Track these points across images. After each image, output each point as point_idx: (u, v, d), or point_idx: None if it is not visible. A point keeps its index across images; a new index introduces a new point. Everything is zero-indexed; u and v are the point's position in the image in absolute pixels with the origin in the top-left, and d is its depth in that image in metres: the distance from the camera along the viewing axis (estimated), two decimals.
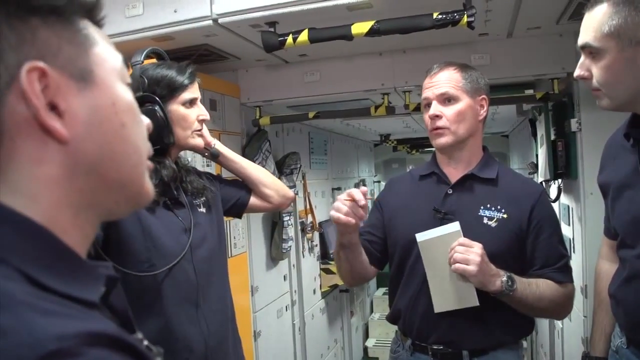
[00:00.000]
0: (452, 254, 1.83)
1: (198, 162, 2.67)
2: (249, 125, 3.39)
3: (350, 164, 6.26)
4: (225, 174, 2.46)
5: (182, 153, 2.03)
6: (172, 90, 1.85)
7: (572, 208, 3.03)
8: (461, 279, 1.86)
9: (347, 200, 1.84)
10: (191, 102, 1.90)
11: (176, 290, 1.81)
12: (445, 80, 1.98)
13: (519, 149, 5.65)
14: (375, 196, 5.05)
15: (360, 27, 2.21)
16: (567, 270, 2.01)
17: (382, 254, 2.18)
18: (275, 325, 3.68)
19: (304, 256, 4.35)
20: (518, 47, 2.79)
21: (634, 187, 1.62)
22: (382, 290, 6.97)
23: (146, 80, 1.81)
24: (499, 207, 1.97)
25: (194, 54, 2.76)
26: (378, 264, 2.21)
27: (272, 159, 3.50)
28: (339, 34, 2.26)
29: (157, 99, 1.79)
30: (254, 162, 2.74)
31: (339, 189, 5.50)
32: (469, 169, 2.04)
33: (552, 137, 3.03)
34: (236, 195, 2.20)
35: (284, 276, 3.95)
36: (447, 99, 1.97)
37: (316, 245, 4.69)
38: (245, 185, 2.23)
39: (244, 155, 2.95)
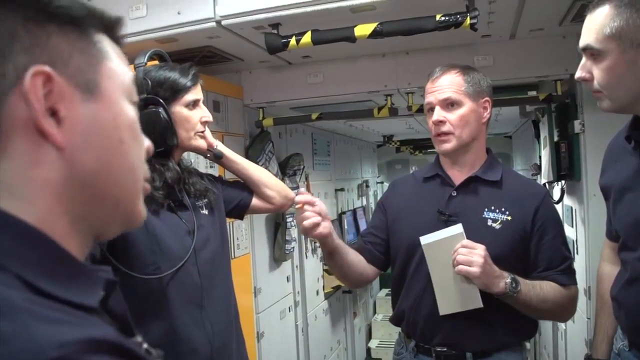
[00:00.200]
0: (455, 256, 1.83)
1: (201, 164, 2.67)
2: (252, 126, 3.40)
3: (354, 165, 6.26)
4: (228, 176, 2.46)
5: (184, 155, 2.02)
6: (175, 92, 1.85)
7: (575, 210, 3.03)
8: (465, 281, 1.86)
9: (305, 210, 1.89)
10: (194, 104, 1.90)
11: (181, 292, 1.81)
12: (447, 84, 1.98)
13: (523, 150, 5.64)
14: (379, 197, 5.04)
15: (363, 29, 2.21)
16: (571, 272, 2.01)
17: (385, 255, 2.19)
18: (278, 326, 3.68)
19: (307, 257, 4.36)
20: (521, 48, 2.79)
21: (636, 190, 1.61)
22: (385, 291, 6.97)
23: (149, 82, 1.81)
24: (503, 209, 1.97)
25: (197, 56, 2.76)
26: (380, 265, 2.21)
27: (275, 160, 3.50)
28: (342, 36, 2.26)
29: (161, 100, 1.79)
30: (257, 163, 2.75)
31: (342, 190, 5.50)
32: (472, 172, 2.04)
33: (555, 139, 3.03)
34: (238, 197, 2.20)
35: (287, 277, 3.95)
36: (450, 104, 1.97)
37: (319, 246, 4.67)
38: (247, 187, 2.23)
39: (247, 156, 2.96)
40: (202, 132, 1.94)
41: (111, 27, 0.75)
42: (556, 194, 3.30)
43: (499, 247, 1.90)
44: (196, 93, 1.91)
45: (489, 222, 1.96)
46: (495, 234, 1.94)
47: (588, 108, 2.71)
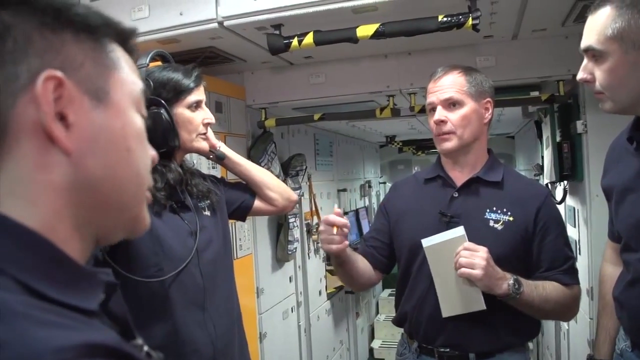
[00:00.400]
0: (458, 258, 1.83)
1: (204, 165, 2.68)
2: (254, 127, 3.39)
3: (356, 165, 6.26)
4: (230, 177, 2.46)
5: (187, 156, 2.02)
6: (178, 93, 1.85)
7: (577, 210, 3.03)
8: (467, 283, 1.86)
9: (329, 227, 1.91)
10: (197, 105, 1.89)
11: (183, 294, 1.80)
12: (449, 84, 1.98)
13: (525, 150, 5.64)
14: (381, 198, 5.04)
15: (365, 30, 2.21)
16: (573, 272, 2.01)
17: (388, 258, 2.19)
18: (280, 327, 3.68)
19: (309, 258, 4.36)
20: (523, 49, 2.78)
21: (638, 191, 1.61)
22: (388, 291, 6.96)
23: (152, 83, 1.80)
24: (504, 209, 1.97)
25: (200, 57, 2.76)
26: (384, 269, 2.22)
27: (278, 161, 3.50)
28: (344, 37, 2.26)
29: (163, 102, 1.79)
30: (260, 164, 2.75)
31: (344, 190, 5.50)
32: (474, 172, 2.04)
33: (558, 139, 3.03)
34: (240, 199, 2.20)
35: (290, 278, 3.95)
36: (451, 104, 1.97)
37: (321, 247, 4.67)
38: (249, 189, 2.22)
39: (249, 157, 2.96)
40: (204, 133, 1.94)
41: (125, 38, 0.77)
42: (559, 194, 3.30)
43: (501, 248, 1.90)
44: (199, 94, 1.90)
45: (491, 223, 1.96)
46: (497, 235, 1.94)
47: (590, 108, 2.70)
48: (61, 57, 0.66)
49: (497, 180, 2.02)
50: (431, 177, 2.13)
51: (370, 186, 6.71)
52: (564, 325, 3.46)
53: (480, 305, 1.88)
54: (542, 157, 3.61)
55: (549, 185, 3.26)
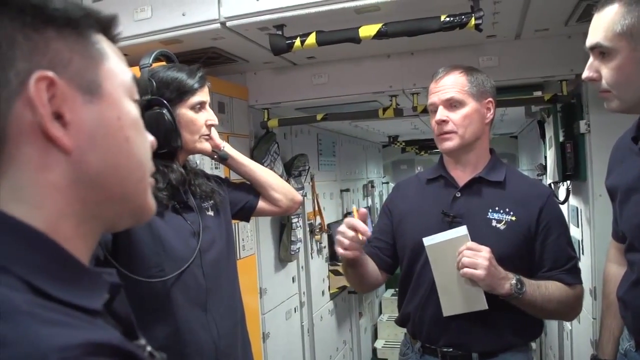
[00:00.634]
0: (460, 258, 1.83)
1: (206, 165, 2.68)
2: (257, 127, 3.39)
3: (359, 165, 6.26)
4: (233, 177, 2.46)
5: (190, 156, 2.02)
6: (182, 93, 1.84)
7: (580, 210, 3.02)
8: (470, 282, 1.86)
9: (348, 231, 1.86)
10: (200, 106, 1.88)
11: (185, 294, 1.80)
12: (450, 84, 1.98)
13: (528, 150, 5.63)
14: (384, 198, 5.04)
15: (368, 30, 2.21)
16: (576, 271, 2.01)
17: (392, 259, 2.19)
18: (284, 327, 3.69)
19: (312, 258, 4.35)
20: (526, 48, 2.78)
21: None
22: (391, 291, 6.96)
23: (154, 83, 1.80)
24: (507, 209, 1.97)
25: (202, 57, 2.76)
26: (388, 269, 2.22)
27: (281, 161, 3.50)
28: (346, 37, 2.26)
29: (165, 102, 1.78)
30: (262, 164, 2.74)
31: (347, 190, 5.50)
32: (476, 172, 2.04)
33: (561, 139, 3.02)
34: (244, 199, 2.19)
35: (293, 278, 3.95)
36: (453, 104, 1.97)
37: (325, 247, 4.69)
38: (253, 189, 2.21)
39: (252, 157, 2.95)
40: (207, 135, 1.93)
41: (107, 26, 0.76)
42: (562, 194, 3.30)
43: (503, 248, 1.90)
44: (203, 96, 1.89)
45: (494, 223, 1.96)
46: (500, 235, 1.94)
47: (593, 108, 2.70)
48: (48, 56, 0.65)
49: (500, 180, 2.02)
50: (433, 177, 2.13)
51: (373, 186, 6.71)
52: (567, 325, 3.46)
53: (482, 305, 1.88)
54: (545, 157, 3.61)
55: (552, 185, 3.26)
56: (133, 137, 0.74)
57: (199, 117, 1.88)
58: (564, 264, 1.98)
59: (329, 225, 4.72)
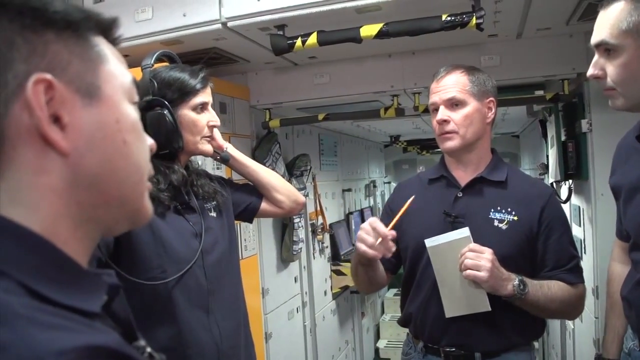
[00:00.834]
0: (463, 260, 1.83)
1: (208, 165, 2.67)
2: (258, 127, 3.40)
3: (361, 165, 6.26)
4: (235, 177, 2.46)
5: (192, 156, 2.01)
6: (183, 94, 1.83)
7: (582, 209, 3.02)
8: (472, 284, 1.86)
9: (372, 232, 1.82)
10: (202, 107, 1.87)
11: (187, 296, 1.79)
12: (452, 84, 1.98)
13: (530, 149, 5.62)
14: (386, 197, 5.04)
15: (369, 30, 2.20)
16: (578, 270, 2.01)
17: (395, 258, 2.18)
18: (286, 327, 3.69)
19: (314, 258, 4.36)
20: (528, 47, 2.78)
21: None
22: (393, 291, 6.96)
23: (156, 84, 1.79)
24: (509, 209, 1.97)
25: (204, 58, 2.76)
26: (392, 269, 2.22)
27: (282, 161, 3.50)
28: (348, 37, 2.26)
29: (166, 102, 1.77)
30: (264, 164, 2.74)
31: (349, 190, 5.50)
32: (478, 172, 2.04)
33: (563, 138, 3.02)
34: (247, 200, 2.18)
35: (295, 278, 3.95)
36: (454, 104, 1.97)
37: (327, 247, 4.69)
38: (256, 190, 2.20)
39: (254, 157, 2.95)
40: (209, 136, 1.92)
41: (108, 28, 0.75)
42: (564, 193, 3.29)
43: (505, 248, 1.90)
44: (205, 96, 1.88)
45: (496, 223, 1.96)
46: (502, 235, 1.94)
47: (595, 107, 2.70)
48: (47, 58, 0.65)
49: (501, 179, 2.02)
50: (435, 177, 2.13)
51: (375, 186, 6.71)
52: (570, 324, 3.46)
53: (485, 306, 1.88)
54: (547, 156, 3.60)
55: (554, 184, 3.26)
56: (131, 140, 0.74)
57: (200, 118, 1.87)
58: (566, 263, 1.97)
59: (330, 225, 4.72)
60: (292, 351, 3.81)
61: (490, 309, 1.87)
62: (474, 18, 2.04)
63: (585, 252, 2.94)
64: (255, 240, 3.26)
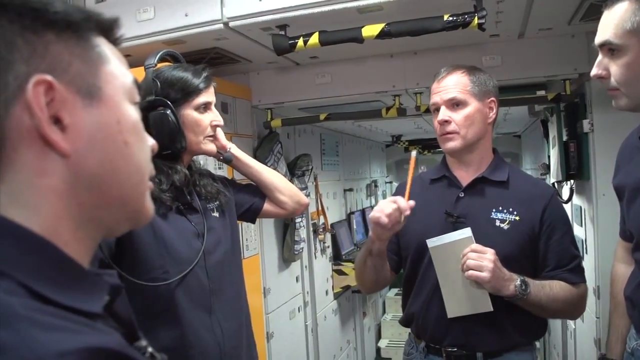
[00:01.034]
0: (465, 260, 1.83)
1: (210, 164, 2.67)
2: (260, 127, 3.40)
3: (362, 165, 6.26)
4: (238, 177, 2.46)
5: (195, 156, 2.00)
6: (187, 93, 1.82)
7: (584, 209, 3.02)
8: (474, 284, 1.86)
9: (391, 204, 1.81)
10: (205, 107, 1.86)
11: (189, 296, 1.78)
12: (453, 84, 1.98)
13: (532, 149, 5.62)
14: (387, 198, 5.04)
15: (370, 30, 2.21)
16: (580, 270, 2.01)
17: (398, 256, 2.19)
18: (287, 327, 3.69)
19: (316, 257, 4.36)
20: (529, 48, 2.77)
21: None
22: (395, 290, 6.95)
23: (159, 84, 1.78)
24: (510, 209, 1.97)
25: (205, 57, 2.76)
26: (395, 267, 2.21)
27: (284, 161, 3.50)
28: (349, 37, 2.26)
29: (169, 102, 1.76)
30: (266, 164, 2.73)
31: (350, 190, 5.50)
32: (479, 172, 2.04)
33: (564, 138, 3.02)
34: (250, 201, 2.17)
35: (296, 277, 3.95)
36: (455, 104, 1.97)
37: (328, 247, 4.69)
38: (259, 191, 2.19)
39: (255, 157, 2.95)
40: (212, 136, 1.91)
41: (108, 29, 0.75)
42: (565, 193, 3.29)
43: (507, 248, 1.90)
44: (208, 96, 1.87)
45: (497, 223, 1.96)
46: (504, 235, 1.94)
47: (597, 107, 2.70)
48: (47, 59, 0.65)
49: (503, 179, 2.02)
50: (437, 177, 2.13)
51: (376, 185, 6.71)
52: (571, 324, 3.46)
53: (487, 306, 1.88)
54: (549, 156, 3.60)
55: (556, 184, 3.26)
56: (132, 141, 0.74)
57: (203, 117, 1.87)
58: (568, 263, 1.98)
59: (332, 224, 4.72)
60: (294, 351, 3.81)
61: (492, 309, 1.88)
62: (476, 18, 2.04)
63: (586, 252, 2.93)
64: (256, 240, 3.26)
